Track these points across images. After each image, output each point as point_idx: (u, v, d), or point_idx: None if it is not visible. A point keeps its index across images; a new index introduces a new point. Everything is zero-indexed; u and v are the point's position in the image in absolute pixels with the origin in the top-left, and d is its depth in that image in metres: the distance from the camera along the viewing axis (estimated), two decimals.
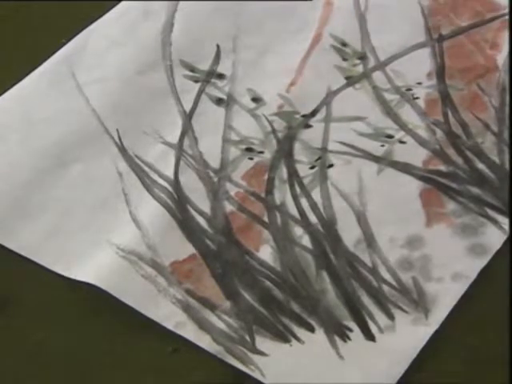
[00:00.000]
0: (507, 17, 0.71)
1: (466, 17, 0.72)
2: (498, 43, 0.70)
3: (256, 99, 0.69)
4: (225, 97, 0.69)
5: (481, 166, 0.64)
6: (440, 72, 0.69)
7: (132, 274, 0.59)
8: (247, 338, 0.56)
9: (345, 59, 0.71)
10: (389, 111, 0.67)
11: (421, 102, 0.68)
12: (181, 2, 0.74)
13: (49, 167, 0.66)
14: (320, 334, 0.56)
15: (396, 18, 0.73)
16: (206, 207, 0.63)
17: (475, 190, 0.62)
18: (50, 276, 0.60)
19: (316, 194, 0.63)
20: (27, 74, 0.71)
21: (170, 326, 0.57)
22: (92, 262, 0.60)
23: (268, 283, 0.59)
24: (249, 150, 0.66)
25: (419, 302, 0.57)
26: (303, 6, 0.74)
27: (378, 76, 0.69)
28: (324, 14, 0.73)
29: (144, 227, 0.62)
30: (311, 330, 0.57)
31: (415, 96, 0.68)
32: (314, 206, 0.63)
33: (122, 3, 0.75)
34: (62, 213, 0.63)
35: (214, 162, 0.65)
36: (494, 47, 0.70)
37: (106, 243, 0.61)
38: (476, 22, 0.72)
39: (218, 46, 0.72)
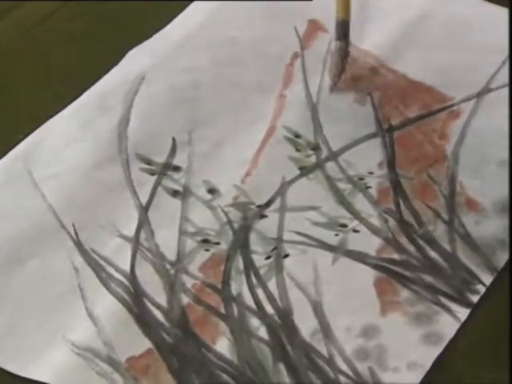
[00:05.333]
0: (455, 107, 0.73)
1: (415, 108, 0.74)
2: (446, 133, 0.72)
3: (212, 190, 0.70)
4: (181, 189, 0.70)
5: (433, 253, 0.65)
6: (390, 162, 0.70)
7: (87, 371, 0.59)
8: None
9: (298, 150, 0.72)
10: (342, 200, 0.68)
11: (373, 191, 0.69)
12: (137, 97, 0.76)
13: (5, 264, 0.65)
14: None
15: (348, 109, 0.74)
16: (162, 300, 0.63)
17: (428, 278, 0.63)
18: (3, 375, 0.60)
19: (272, 285, 0.64)
20: None
21: None
22: (47, 360, 0.59)
23: (225, 376, 0.59)
24: (205, 241, 0.66)
25: None
26: (256, 99, 0.75)
27: (330, 166, 0.70)
28: (277, 107, 0.75)
29: (100, 323, 0.61)
30: None
31: (368, 185, 0.69)
32: (270, 296, 0.63)
33: (79, 100, 0.76)
34: (18, 310, 0.63)
35: (171, 255, 0.66)
36: (443, 137, 0.72)
37: (62, 340, 0.61)
38: (424, 113, 0.73)
39: (173, 139, 0.73)
